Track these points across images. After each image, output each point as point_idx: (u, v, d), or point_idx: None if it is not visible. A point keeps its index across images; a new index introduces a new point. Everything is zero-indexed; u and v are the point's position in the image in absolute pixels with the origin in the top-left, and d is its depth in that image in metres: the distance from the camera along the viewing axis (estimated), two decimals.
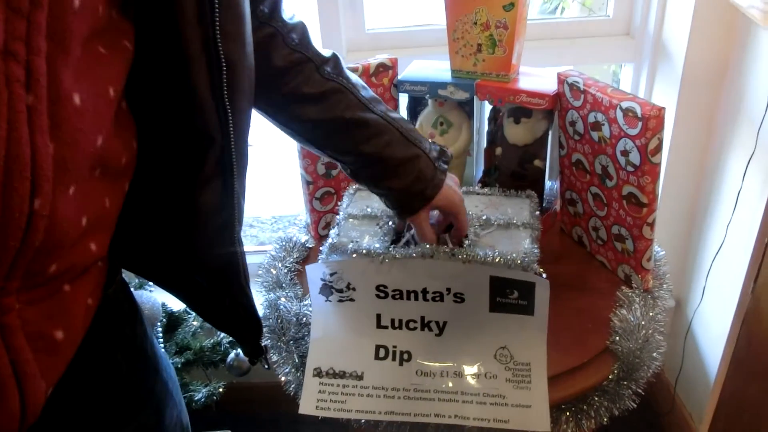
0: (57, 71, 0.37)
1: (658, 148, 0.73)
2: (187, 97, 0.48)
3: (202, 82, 0.48)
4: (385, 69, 0.98)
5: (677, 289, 1.39)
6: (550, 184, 1.01)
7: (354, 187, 0.89)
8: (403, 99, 1.03)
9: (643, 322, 0.79)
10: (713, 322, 1.26)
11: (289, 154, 0.99)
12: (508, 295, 0.72)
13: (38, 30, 0.35)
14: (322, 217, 1.01)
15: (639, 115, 0.72)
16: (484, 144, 1.02)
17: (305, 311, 0.85)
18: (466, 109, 1.01)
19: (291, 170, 1.04)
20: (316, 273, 0.75)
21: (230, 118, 0.50)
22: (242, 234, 0.59)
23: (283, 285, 0.92)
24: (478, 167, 1.06)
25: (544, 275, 0.71)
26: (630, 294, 0.83)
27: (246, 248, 0.62)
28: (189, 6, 0.45)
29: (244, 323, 0.67)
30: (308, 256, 1.00)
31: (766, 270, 1.07)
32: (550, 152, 0.96)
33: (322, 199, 1.00)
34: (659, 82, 1.22)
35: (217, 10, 0.46)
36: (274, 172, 2.00)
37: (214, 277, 0.61)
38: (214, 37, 0.47)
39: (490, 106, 1.00)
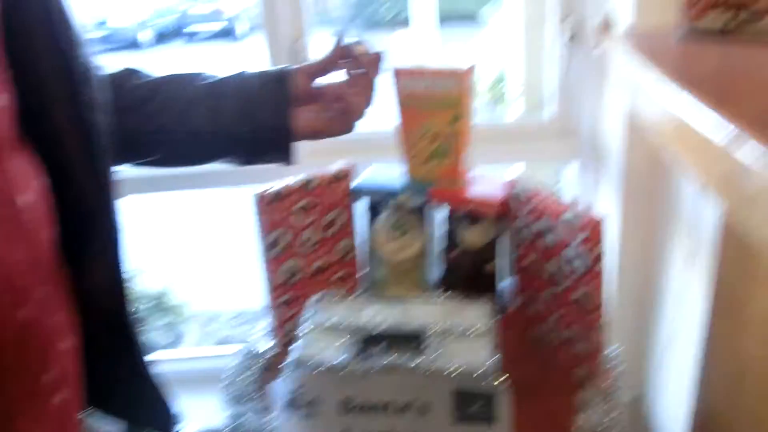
0: None
1: (601, 256, 0.78)
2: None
3: (75, 153, 0.50)
4: (342, 177, 1.02)
5: (635, 386, 1.42)
6: (505, 287, 1.05)
7: (317, 296, 0.91)
8: (360, 203, 1.07)
9: (604, 422, 0.81)
10: (670, 416, 1.29)
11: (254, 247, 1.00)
12: (469, 406, 0.73)
13: None
14: (286, 323, 1.01)
15: (581, 225, 0.77)
16: (440, 248, 1.06)
17: (271, 427, 0.84)
18: (421, 214, 1.05)
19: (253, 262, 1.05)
20: (281, 389, 0.75)
21: (105, 184, 0.53)
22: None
23: (248, 398, 0.91)
24: (434, 271, 1.09)
25: (505, 384, 0.73)
26: (589, 395, 0.85)
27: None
28: (57, 84, 0.48)
29: (145, 401, 0.63)
30: (273, 363, 1.00)
31: (714, 361, 1.11)
32: (503, 256, 1.00)
33: (288, 304, 1.00)
34: (602, 180, 1.30)
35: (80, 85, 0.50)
36: (236, 262, 2.00)
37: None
38: (82, 110, 0.50)
39: (445, 212, 1.04)
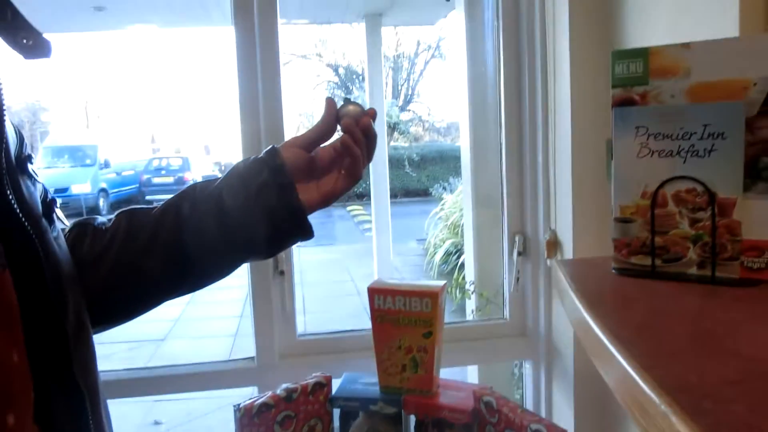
0: None
1: None
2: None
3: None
4: (321, 387, 1.08)
5: None
6: None
7: None
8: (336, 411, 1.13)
9: None
10: None
11: None
12: None
13: None
14: None
15: None
16: None
17: None
18: (395, 421, 1.11)
19: None
20: None
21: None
22: None
23: None
24: None
25: None
26: None
27: None
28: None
29: None
30: None
31: None
32: None
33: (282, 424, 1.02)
34: (556, 377, 1.40)
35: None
36: None
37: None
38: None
39: (416, 419, 1.11)
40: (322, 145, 0.72)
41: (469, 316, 1.99)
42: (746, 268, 0.80)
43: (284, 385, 1.04)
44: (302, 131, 0.72)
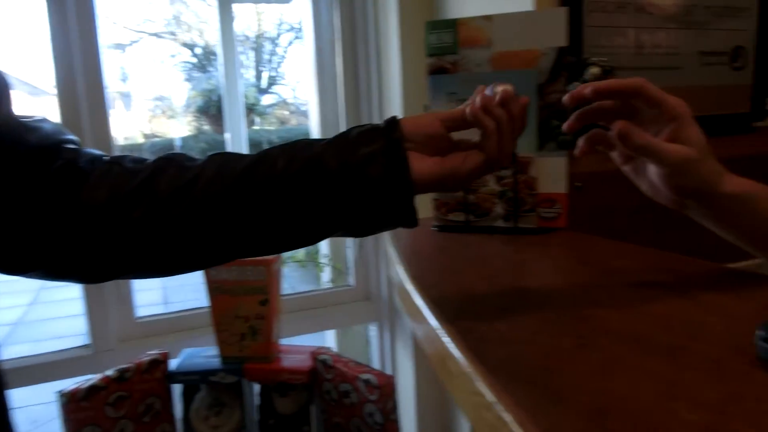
0: None
1: (394, 408, 0.91)
2: None
3: None
4: (157, 364, 1.06)
5: None
6: None
7: None
8: (176, 386, 1.11)
9: None
10: None
11: None
12: None
13: None
14: None
15: (375, 384, 0.91)
16: (257, 417, 1.12)
17: None
18: (237, 391, 1.11)
19: None
20: None
21: None
22: None
23: None
24: None
25: None
26: None
27: None
28: None
29: None
30: None
31: None
32: (316, 417, 1.10)
33: (115, 405, 0.97)
34: (398, 337, 1.48)
35: None
36: None
37: None
38: None
39: (258, 385, 1.12)
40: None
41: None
42: (542, 218, 0.90)
43: (116, 367, 1.00)
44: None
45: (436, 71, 0.96)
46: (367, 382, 0.92)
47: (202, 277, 1.04)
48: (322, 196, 0.53)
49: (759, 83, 1.25)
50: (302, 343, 1.15)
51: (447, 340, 0.47)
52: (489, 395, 0.37)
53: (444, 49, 0.95)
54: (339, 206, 0.53)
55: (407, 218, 0.54)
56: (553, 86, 0.87)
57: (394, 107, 1.33)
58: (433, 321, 0.52)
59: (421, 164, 0.53)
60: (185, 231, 0.54)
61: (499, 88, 0.56)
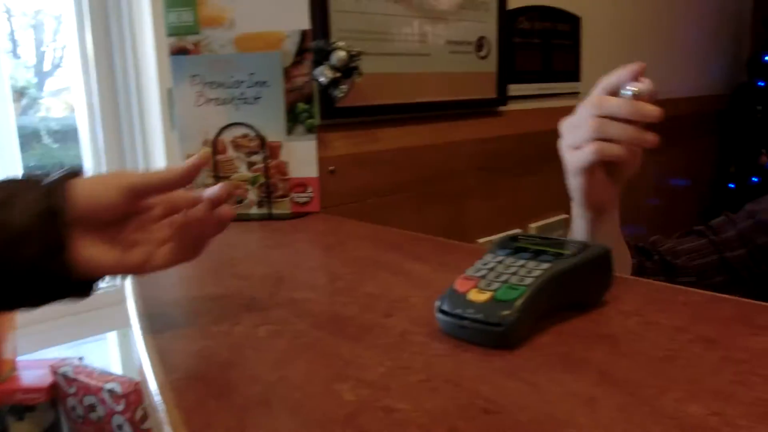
0: None
1: (145, 417, 0.84)
2: None
3: None
4: None
5: None
6: None
7: None
8: None
9: None
10: None
11: None
12: None
13: None
14: None
15: (119, 393, 0.83)
16: None
17: None
18: None
19: None
20: None
21: None
22: None
23: None
24: None
25: None
26: None
27: None
28: None
29: None
30: None
31: None
32: None
33: None
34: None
35: None
36: None
37: None
38: None
39: None
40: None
41: None
42: (296, 203, 0.89)
43: None
44: None
45: (177, 52, 0.90)
46: (111, 392, 0.84)
47: None
48: None
49: (502, 71, 1.37)
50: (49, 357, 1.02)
51: (141, 345, 0.44)
52: (157, 396, 0.35)
53: (185, 29, 0.89)
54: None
55: (75, 297, 0.47)
56: (298, 69, 0.86)
57: (151, 93, 1.23)
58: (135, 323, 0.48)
59: (91, 252, 0.43)
60: None
61: (635, 87, 0.49)
